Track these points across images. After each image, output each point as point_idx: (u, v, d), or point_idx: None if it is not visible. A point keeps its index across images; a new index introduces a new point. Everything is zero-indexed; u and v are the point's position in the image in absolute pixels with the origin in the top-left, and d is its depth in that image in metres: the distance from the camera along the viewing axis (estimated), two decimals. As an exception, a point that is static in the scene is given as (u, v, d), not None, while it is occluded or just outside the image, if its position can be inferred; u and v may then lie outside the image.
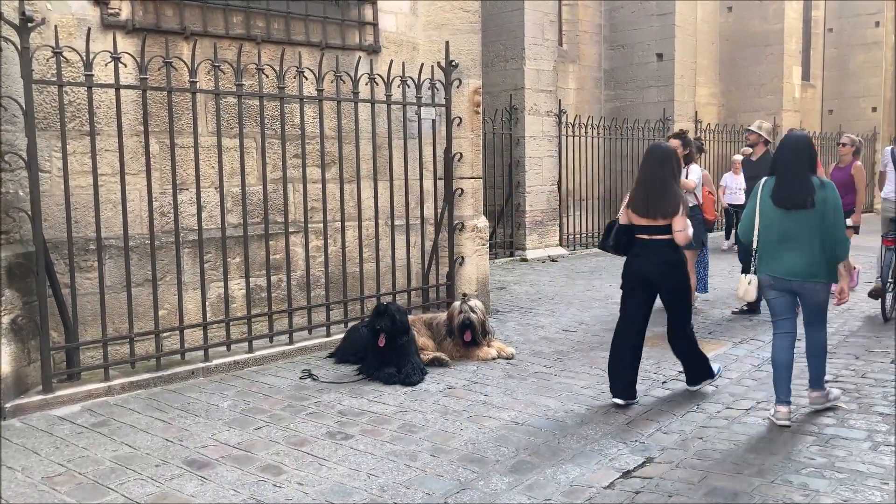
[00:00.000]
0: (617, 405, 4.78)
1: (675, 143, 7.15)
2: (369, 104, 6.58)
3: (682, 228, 4.71)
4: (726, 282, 9.40)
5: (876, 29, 20.89)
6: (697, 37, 16.01)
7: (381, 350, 5.43)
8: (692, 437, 4.27)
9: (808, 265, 4.34)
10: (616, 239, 4.91)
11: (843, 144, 8.74)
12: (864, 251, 10.40)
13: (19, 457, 4.08)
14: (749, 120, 17.32)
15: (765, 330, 6.88)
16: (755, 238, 4.54)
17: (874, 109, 21.03)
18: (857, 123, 20.53)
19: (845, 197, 8.16)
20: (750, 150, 8.55)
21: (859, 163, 8.65)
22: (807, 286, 4.40)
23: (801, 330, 4.60)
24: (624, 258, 4.99)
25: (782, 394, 4.45)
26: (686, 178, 7.12)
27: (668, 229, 4.73)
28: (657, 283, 4.82)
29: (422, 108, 6.93)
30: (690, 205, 6.84)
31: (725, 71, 18.49)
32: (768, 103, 17.89)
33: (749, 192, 7.21)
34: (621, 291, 4.97)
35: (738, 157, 11.95)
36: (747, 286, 4.60)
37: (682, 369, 5.20)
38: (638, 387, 4.95)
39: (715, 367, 5.15)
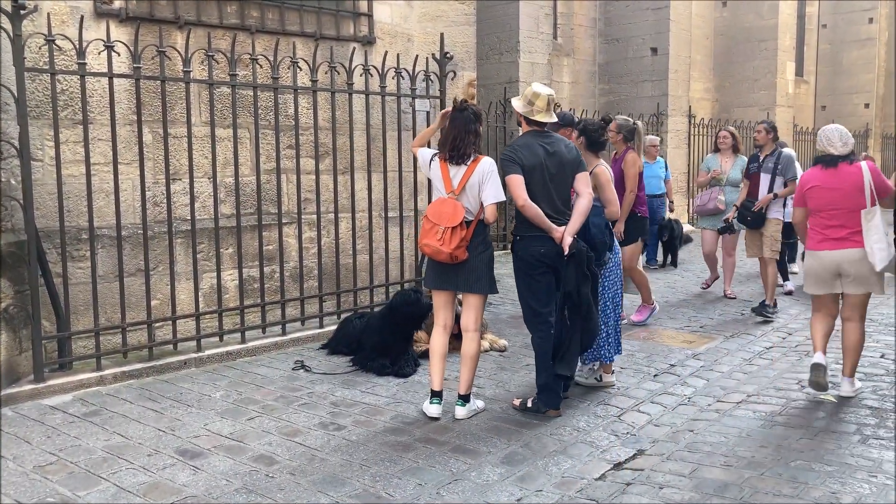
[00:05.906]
0: None
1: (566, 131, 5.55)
2: (364, 95, 6.57)
3: None
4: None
5: (870, 25, 20.96)
6: (692, 31, 16.02)
7: (389, 334, 5.50)
8: (683, 430, 4.30)
9: None
10: None
11: (610, 130, 6.16)
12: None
13: (11, 445, 4.07)
14: (743, 116, 17.44)
15: (755, 325, 6.92)
16: None
17: (867, 106, 21.12)
18: (850, 119, 20.59)
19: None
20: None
21: (633, 153, 6.41)
22: None
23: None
24: None
25: None
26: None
27: None
28: None
29: (416, 100, 6.91)
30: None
31: (720, 66, 18.50)
32: (762, 99, 17.93)
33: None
34: None
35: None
36: None
37: (672, 363, 5.61)
38: (629, 379, 5.20)
39: None
